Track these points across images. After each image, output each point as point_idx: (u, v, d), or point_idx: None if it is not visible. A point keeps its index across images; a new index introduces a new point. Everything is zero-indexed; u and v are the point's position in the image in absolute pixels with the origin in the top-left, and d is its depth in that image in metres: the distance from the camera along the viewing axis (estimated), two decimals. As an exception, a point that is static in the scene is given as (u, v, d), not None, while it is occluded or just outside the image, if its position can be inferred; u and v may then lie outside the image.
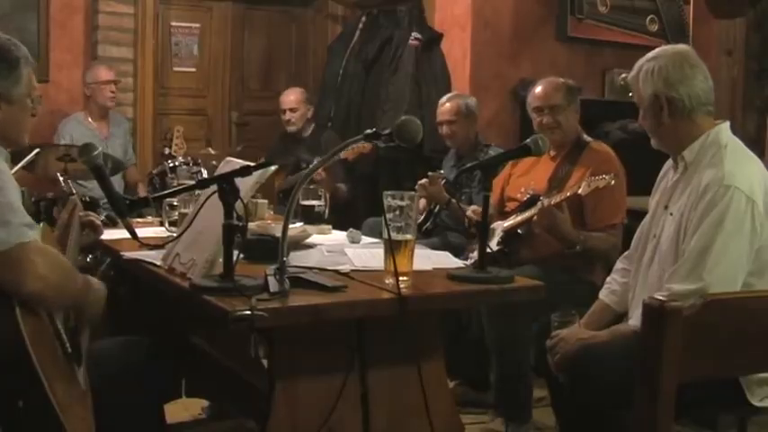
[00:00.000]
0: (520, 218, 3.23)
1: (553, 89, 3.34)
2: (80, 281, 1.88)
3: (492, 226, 3.25)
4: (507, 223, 3.28)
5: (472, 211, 3.49)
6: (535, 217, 3.04)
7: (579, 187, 2.91)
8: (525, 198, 3.30)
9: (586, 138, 3.36)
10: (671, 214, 2.25)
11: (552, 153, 3.33)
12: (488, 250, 2.42)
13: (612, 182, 2.87)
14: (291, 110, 5.15)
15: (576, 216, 3.08)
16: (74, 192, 2.19)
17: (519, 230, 3.24)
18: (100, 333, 2.05)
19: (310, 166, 2.24)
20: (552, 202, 2.98)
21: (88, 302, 1.90)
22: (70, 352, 1.80)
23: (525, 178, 3.42)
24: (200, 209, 2.11)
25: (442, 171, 4.00)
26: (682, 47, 2.34)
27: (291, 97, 5.20)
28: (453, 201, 3.73)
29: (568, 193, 2.96)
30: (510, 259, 3.18)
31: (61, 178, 2.33)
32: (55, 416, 1.63)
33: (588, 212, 3.12)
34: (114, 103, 5.06)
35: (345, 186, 4.89)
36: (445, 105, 4.12)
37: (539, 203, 3.06)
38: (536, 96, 3.37)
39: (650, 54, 2.30)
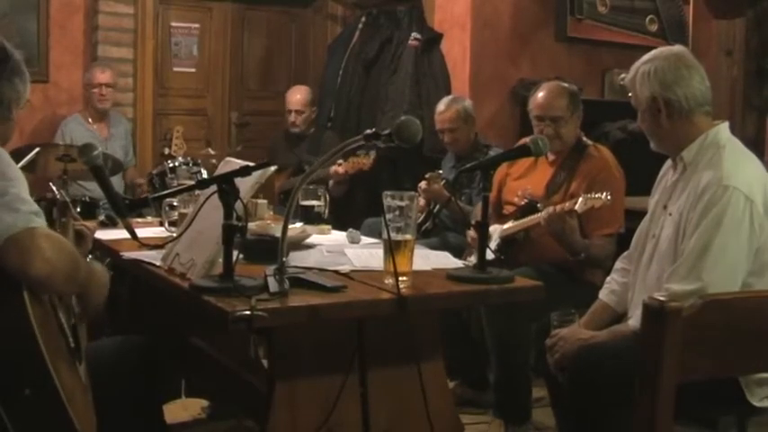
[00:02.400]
0: (518, 225, 3.23)
1: (556, 98, 3.27)
2: (84, 268, 1.88)
3: (489, 229, 3.25)
4: (505, 227, 3.28)
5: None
6: (543, 221, 3.03)
7: (576, 203, 2.92)
8: (522, 203, 3.29)
9: (586, 141, 3.33)
10: (670, 214, 2.26)
11: (550, 158, 3.32)
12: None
13: (608, 200, 2.87)
14: (297, 111, 5.10)
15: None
16: (68, 200, 2.18)
17: (516, 237, 3.24)
18: (99, 332, 2.05)
19: (309, 168, 2.24)
20: (562, 209, 2.97)
21: (91, 290, 1.90)
22: (73, 347, 1.81)
23: (522, 181, 3.40)
24: (199, 209, 2.11)
25: (440, 171, 4.00)
26: (678, 48, 2.33)
27: (298, 97, 5.13)
28: (453, 199, 3.72)
29: (566, 207, 2.96)
30: (507, 265, 3.17)
31: (54, 188, 2.32)
32: (62, 405, 1.63)
33: (584, 221, 3.10)
34: (105, 105, 5.00)
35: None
36: (445, 114, 4.05)
37: (537, 214, 3.07)
38: (538, 104, 3.30)
39: (646, 56, 2.29)
